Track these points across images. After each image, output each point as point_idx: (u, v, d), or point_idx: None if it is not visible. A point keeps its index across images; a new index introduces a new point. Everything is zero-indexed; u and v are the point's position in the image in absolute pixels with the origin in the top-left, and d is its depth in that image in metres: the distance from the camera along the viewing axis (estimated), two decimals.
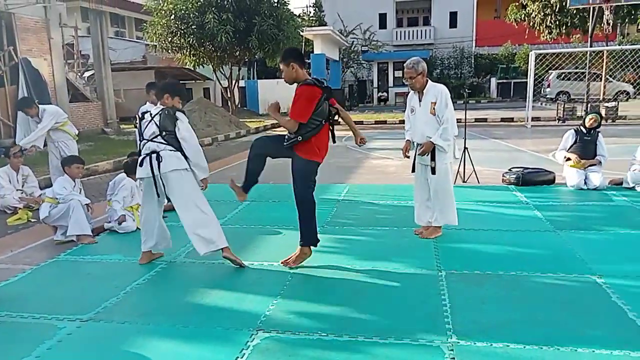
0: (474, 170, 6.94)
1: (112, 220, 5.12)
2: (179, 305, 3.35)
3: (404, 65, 4.39)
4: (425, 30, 34.62)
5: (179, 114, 3.91)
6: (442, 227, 4.63)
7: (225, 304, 3.32)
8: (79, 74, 18.39)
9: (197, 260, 4.19)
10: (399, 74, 32.08)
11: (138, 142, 4.08)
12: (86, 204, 4.94)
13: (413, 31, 34.99)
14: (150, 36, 17.87)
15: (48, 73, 13.54)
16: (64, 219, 4.74)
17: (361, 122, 19.05)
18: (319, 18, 31.32)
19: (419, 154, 4.44)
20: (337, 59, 28.28)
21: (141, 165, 3.91)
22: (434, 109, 4.30)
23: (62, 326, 3.06)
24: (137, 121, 4.08)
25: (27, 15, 12.96)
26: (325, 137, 3.82)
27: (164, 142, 3.83)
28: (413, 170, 4.65)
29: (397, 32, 34.86)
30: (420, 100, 4.42)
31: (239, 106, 23.11)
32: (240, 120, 17.92)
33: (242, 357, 2.65)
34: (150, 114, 3.94)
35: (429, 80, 4.38)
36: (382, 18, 34.64)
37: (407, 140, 4.69)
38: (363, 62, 32.46)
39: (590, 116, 6.60)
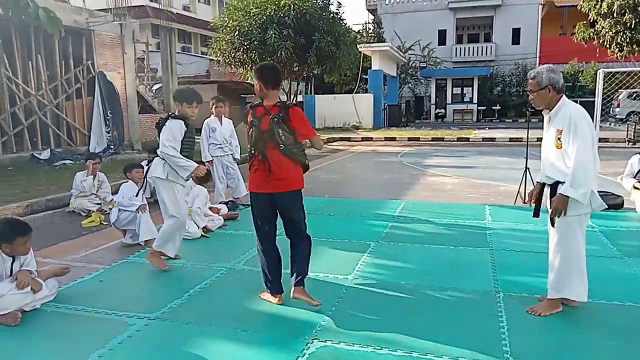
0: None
1: None
2: (239, 309, 3.49)
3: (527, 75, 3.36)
4: (486, 47, 34.00)
5: (169, 121, 4.13)
6: (559, 300, 3.35)
7: (282, 312, 3.43)
8: (148, 86, 19.45)
9: (255, 268, 4.32)
10: (457, 90, 31.64)
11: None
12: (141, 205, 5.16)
13: (473, 47, 34.45)
14: (215, 51, 18.65)
15: (121, 86, 14.46)
16: (132, 223, 5.05)
17: (417, 139, 18.92)
18: (378, 35, 31.51)
19: (550, 216, 3.22)
20: (395, 75, 28.29)
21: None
22: (558, 139, 3.11)
23: (132, 323, 3.27)
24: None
25: (105, 32, 13.95)
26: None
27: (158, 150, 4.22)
28: (536, 215, 3.45)
29: (456, 48, 34.45)
30: (548, 124, 3.27)
31: None
32: None
33: None
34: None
35: (564, 99, 3.18)
36: (442, 34, 34.37)
37: (537, 182, 3.45)
38: (421, 78, 32.27)
39: None
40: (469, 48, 34.54)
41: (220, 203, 6.54)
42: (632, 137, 15.16)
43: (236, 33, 17.44)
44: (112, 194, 6.98)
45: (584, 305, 3.42)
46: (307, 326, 3.18)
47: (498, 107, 30.24)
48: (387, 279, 4.04)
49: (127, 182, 5.43)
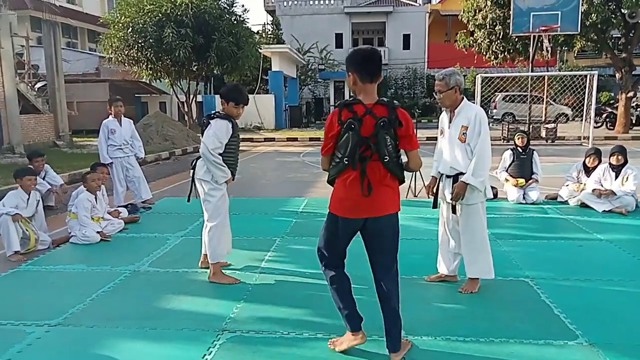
0: (424, 185, 7.37)
1: (72, 232, 5.16)
2: (146, 310, 3.50)
3: (435, 76, 3.70)
4: (380, 51, 35.66)
5: (213, 121, 3.84)
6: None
7: (191, 308, 3.50)
8: (30, 85, 17.87)
9: (160, 268, 4.34)
10: None
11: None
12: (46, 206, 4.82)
13: None
14: (106, 48, 17.68)
15: None
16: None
17: (318, 139, 19.45)
18: (277, 36, 31.81)
19: (450, 200, 3.64)
20: (295, 77, 28.77)
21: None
22: (463, 134, 3.51)
23: (31, 331, 3.15)
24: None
25: None
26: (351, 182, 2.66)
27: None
28: (435, 206, 3.84)
29: None
30: (450, 122, 3.66)
31: (196, 121, 23.04)
32: (198, 134, 17.93)
33: (209, 355, 2.85)
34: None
35: (465, 99, 3.61)
36: (339, 38, 35.56)
37: (432, 176, 3.87)
38: (320, 80, 33.14)
39: (517, 135, 7.25)
40: None
41: (119, 206, 6.34)
42: (507, 135, 16.93)
43: (129, 30, 16.71)
44: None
45: (462, 281, 3.89)
46: (217, 319, 3.29)
47: None
48: (293, 270, 4.26)
49: (16, 188, 5.09)
